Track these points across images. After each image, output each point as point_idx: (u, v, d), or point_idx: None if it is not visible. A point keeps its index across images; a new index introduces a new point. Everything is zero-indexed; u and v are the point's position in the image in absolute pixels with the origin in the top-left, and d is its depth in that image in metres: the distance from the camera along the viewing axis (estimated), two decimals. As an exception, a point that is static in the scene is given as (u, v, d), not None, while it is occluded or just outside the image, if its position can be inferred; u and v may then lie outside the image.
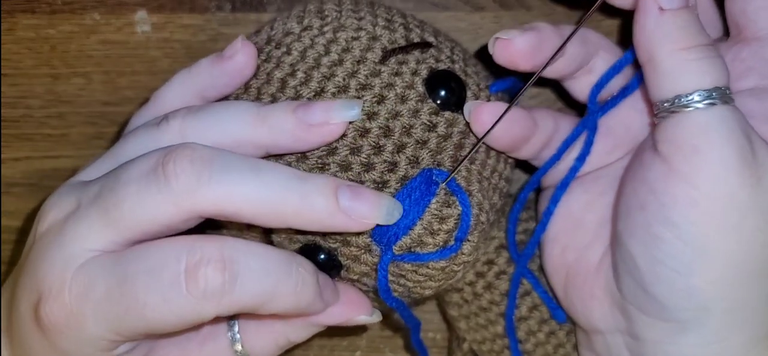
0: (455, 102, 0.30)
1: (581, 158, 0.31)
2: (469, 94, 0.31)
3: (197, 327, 0.28)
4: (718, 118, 0.25)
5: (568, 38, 0.28)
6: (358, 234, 0.28)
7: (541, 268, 0.34)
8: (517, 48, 0.29)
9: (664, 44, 0.27)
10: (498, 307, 0.34)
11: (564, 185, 0.32)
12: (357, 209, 0.25)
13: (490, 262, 0.34)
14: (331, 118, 0.27)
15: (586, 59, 0.31)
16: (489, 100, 0.31)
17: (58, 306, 0.24)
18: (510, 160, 0.33)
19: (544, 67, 0.28)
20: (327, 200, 0.25)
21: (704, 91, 0.26)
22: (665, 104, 0.26)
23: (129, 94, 0.39)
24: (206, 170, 0.24)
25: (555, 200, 0.32)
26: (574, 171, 0.32)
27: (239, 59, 0.29)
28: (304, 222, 0.25)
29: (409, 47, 0.31)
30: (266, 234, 0.31)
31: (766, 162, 0.26)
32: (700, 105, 0.26)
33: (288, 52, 0.30)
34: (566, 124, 0.32)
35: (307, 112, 0.27)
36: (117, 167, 0.26)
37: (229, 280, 0.24)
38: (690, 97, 0.26)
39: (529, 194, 0.34)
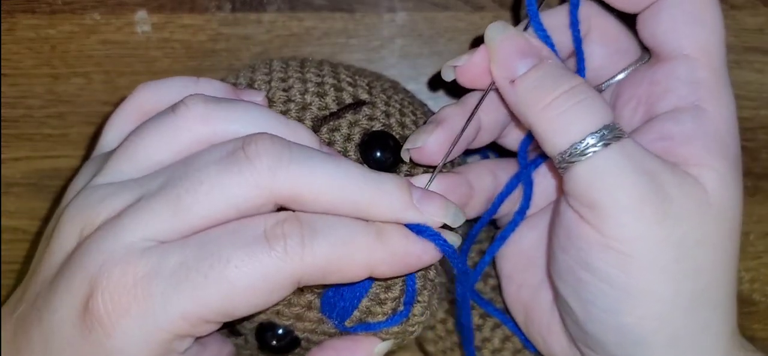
0: (392, 163, 0.29)
1: (521, 212, 0.31)
2: None
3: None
4: (611, 163, 0.25)
5: (466, 123, 0.28)
6: (310, 309, 0.28)
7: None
8: (430, 151, 0.28)
9: (527, 111, 0.26)
10: None
11: (503, 237, 0.32)
12: (428, 208, 0.25)
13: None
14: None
15: (506, 119, 0.30)
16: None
17: (120, 291, 0.23)
18: None
19: (451, 150, 0.28)
20: (402, 193, 0.25)
21: (594, 133, 0.25)
22: (561, 156, 0.26)
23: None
24: (287, 151, 0.24)
25: (491, 251, 0.32)
26: (514, 223, 0.31)
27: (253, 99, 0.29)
28: (379, 211, 0.25)
29: (341, 111, 0.30)
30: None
31: (672, 192, 0.25)
32: (596, 147, 0.25)
33: None
34: (506, 174, 0.31)
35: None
36: (186, 158, 0.25)
37: (309, 233, 0.24)
38: (584, 142, 0.25)
39: (471, 245, 0.33)
